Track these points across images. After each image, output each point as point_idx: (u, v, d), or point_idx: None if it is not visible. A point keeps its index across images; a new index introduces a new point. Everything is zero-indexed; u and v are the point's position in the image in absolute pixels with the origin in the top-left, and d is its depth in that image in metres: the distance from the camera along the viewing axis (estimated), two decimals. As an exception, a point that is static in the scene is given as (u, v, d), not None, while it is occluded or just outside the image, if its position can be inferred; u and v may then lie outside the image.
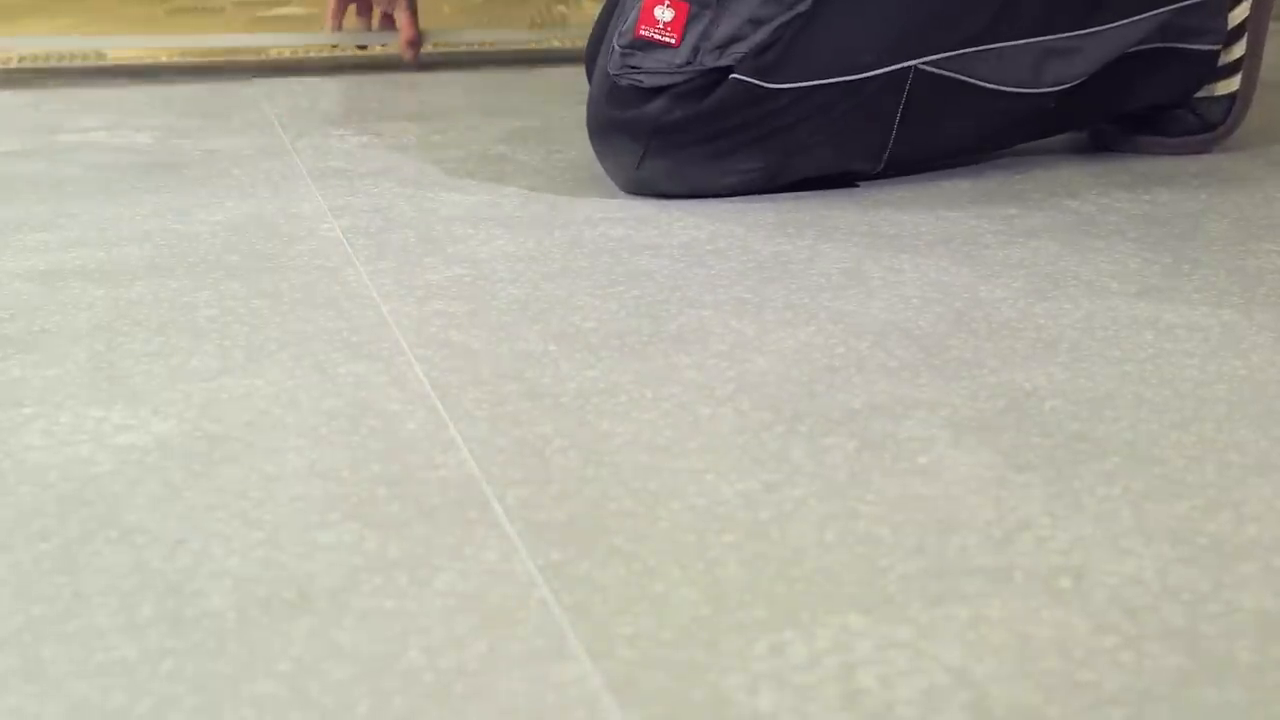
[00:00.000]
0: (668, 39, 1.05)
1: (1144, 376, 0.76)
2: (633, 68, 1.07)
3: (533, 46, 2.03)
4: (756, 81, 1.06)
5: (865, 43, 1.08)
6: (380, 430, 0.71)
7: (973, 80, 1.11)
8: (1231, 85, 1.21)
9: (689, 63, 1.06)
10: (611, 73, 1.09)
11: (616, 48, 1.08)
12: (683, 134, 1.08)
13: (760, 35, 1.05)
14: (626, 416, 0.72)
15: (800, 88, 1.07)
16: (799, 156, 1.10)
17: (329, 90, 1.72)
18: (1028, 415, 0.72)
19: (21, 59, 1.95)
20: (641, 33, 1.06)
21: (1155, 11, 1.14)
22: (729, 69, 1.06)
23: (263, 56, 1.94)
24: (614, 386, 0.76)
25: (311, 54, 1.93)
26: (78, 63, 1.91)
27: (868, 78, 1.08)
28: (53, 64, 1.91)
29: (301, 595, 0.55)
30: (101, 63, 1.91)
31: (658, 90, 1.07)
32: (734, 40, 1.06)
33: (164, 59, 1.93)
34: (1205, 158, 1.22)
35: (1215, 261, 0.95)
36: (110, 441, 0.69)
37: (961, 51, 1.09)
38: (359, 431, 0.71)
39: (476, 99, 1.50)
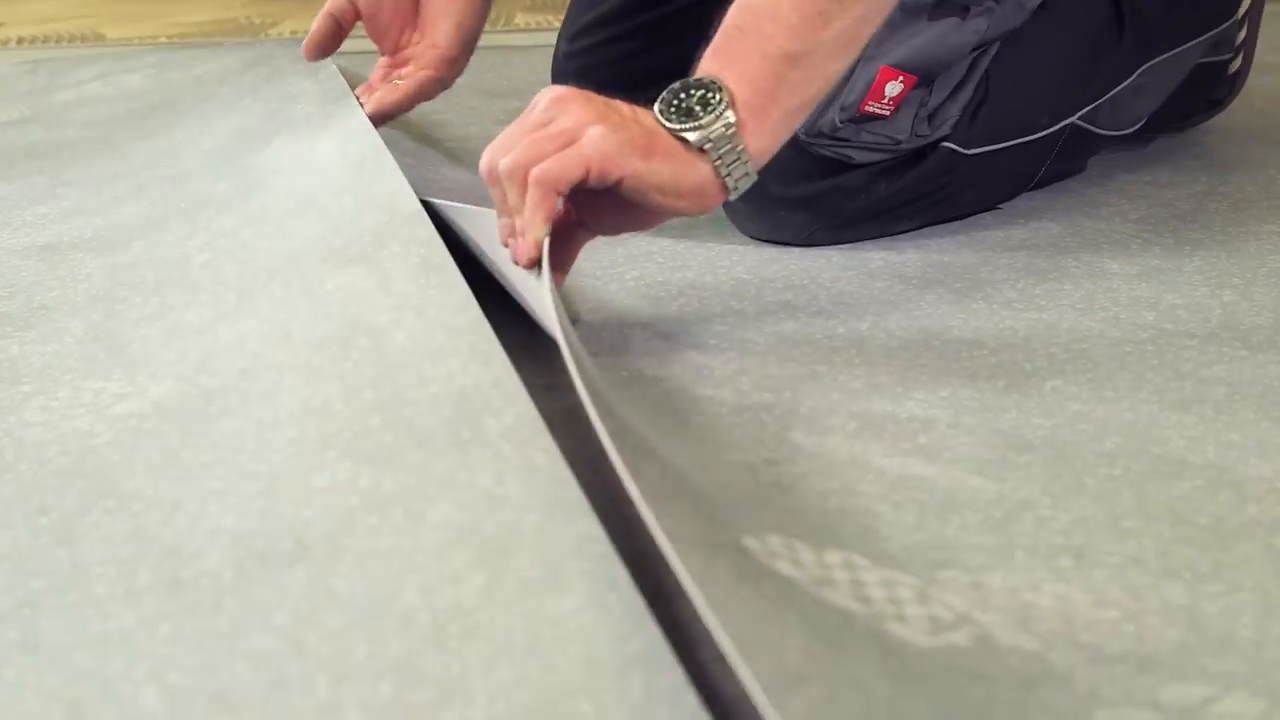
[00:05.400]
0: (884, 111, 0.93)
1: (1144, 357, 0.76)
2: (842, 140, 0.93)
3: (533, 28, 2.02)
4: (962, 150, 0.96)
5: (1042, 102, 1.00)
6: (370, 349, 0.69)
7: (1093, 128, 1.05)
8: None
9: (909, 138, 0.94)
10: (805, 139, 0.93)
11: (836, 120, 0.92)
12: (879, 214, 0.97)
13: (966, 93, 0.95)
14: (628, 389, 0.72)
15: (987, 152, 0.98)
16: (952, 214, 1.02)
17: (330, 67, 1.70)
18: (1028, 396, 0.71)
19: (21, 40, 1.94)
20: (867, 108, 0.92)
21: (1202, 37, 1.10)
22: (942, 138, 0.96)
23: (264, 37, 1.93)
24: (616, 355, 0.76)
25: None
26: (77, 44, 1.90)
27: (1039, 138, 1.01)
28: (51, 45, 1.91)
29: (298, 544, 0.55)
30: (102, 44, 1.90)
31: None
32: (945, 103, 0.95)
33: (164, 39, 1.92)
34: (1206, 140, 1.22)
35: (1216, 243, 0.95)
36: (109, 411, 0.69)
37: (1095, 104, 1.04)
38: (350, 356, 0.69)
39: (476, 80, 1.49)
